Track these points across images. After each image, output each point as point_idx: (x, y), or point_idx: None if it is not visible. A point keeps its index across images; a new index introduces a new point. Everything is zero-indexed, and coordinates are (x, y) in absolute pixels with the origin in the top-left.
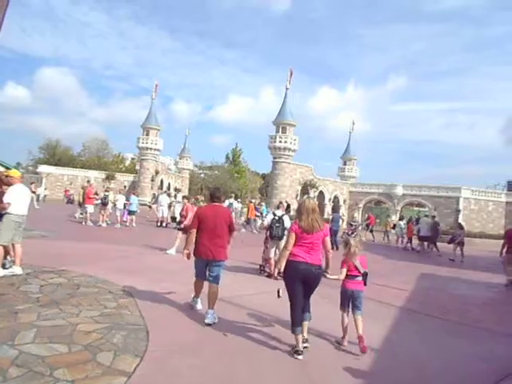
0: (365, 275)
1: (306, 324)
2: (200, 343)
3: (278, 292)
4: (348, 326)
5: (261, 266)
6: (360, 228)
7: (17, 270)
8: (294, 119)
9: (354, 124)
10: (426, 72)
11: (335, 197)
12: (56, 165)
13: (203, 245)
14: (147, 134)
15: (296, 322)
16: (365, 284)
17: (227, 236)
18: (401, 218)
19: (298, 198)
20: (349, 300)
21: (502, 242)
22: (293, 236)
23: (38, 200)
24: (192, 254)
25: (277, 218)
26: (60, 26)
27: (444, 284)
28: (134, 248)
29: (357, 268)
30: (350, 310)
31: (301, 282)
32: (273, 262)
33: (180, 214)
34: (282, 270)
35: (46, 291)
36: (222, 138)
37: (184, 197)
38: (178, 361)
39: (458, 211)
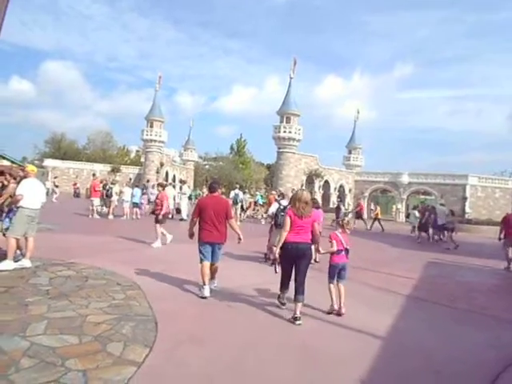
0: (346, 251)
1: (299, 305)
2: (208, 334)
3: (275, 269)
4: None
5: (266, 254)
6: (350, 215)
7: (26, 262)
8: (298, 109)
9: (358, 113)
10: (432, 59)
11: (341, 186)
12: (61, 158)
13: (207, 230)
14: (151, 126)
15: (284, 286)
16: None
17: (225, 222)
18: (415, 207)
19: (304, 187)
20: (338, 272)
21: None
22: (288, 219)
23: (53, 193)
24: (193, 237)
25: (282, 207)
26: (62, 19)
27: (450, 271)
28: (139, 240)
29: (342, 243)
30: (335, 281)
31: (294, 260)
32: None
33: (154, 201)
34: (278, 251)
35: (55, 283)
36: (226, 129)
37: (159, 184)
38: (186, 351)
39: (465, 199)
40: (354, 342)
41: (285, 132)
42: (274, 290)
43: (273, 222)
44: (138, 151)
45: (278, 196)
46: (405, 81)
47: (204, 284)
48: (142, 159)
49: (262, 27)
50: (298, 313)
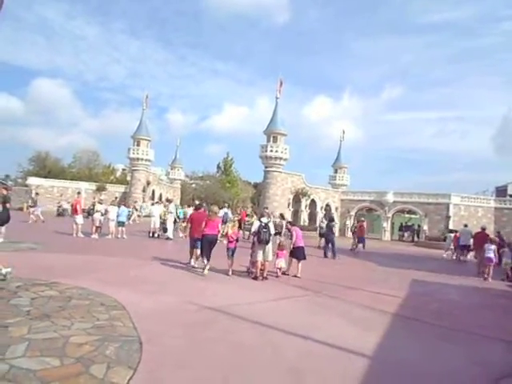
0: (237, 240)
1: (208, 264)
2: (194, 355)
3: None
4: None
5: (248, 268)
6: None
7: None
8: (285, 128)
9: (344, 133)
10: (418, 82)
11: (327, 205)
12: (46, 177)
13: (194, 231)
14: (138, 145)
15: (204, 256)
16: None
17: (201, 226)
18: (451, 231)
19: (290, 206)
20: (232, 252)
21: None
22: (205, 221)
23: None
24: (188, 235)
25: (263, 224)
26: (55, 39)
27: (434, 289)
28: (125, 259)
29: (233, 237)
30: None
31: (208, 242)
32: (259, 264)
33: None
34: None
35: (37, 304)
36: (217, 148)
37: None
38: (171, 373)
39: (448, 217)
40: (341, 362)
41: (271, 151)
42: (262, 310)
43: (255, 239)
44: (124, 169)
45: (261, 215)
46: (392, 102)
47: (191, 258)
48: (129, 178)
49: (253, 49)
50: (206, 270)
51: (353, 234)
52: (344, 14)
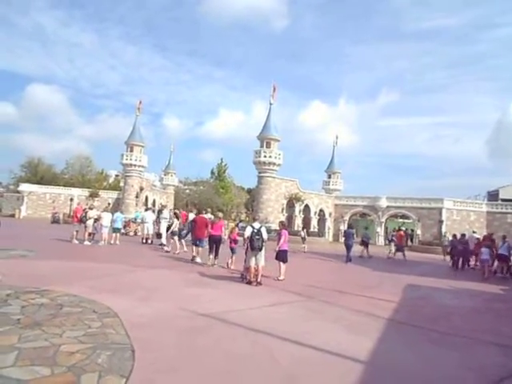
0: (237, 241)
1: (216, 259)
2: (187, 362)
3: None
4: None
5: (242, 274)
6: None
7: None
8: (278, 134)
9: (337, 138)
10: (412, 88)
11: (321, 210)
12: (38, 183)
13: (197, 231)
14: (131, 151)
15: (211, 253)
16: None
17: (206, 228)
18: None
19: (284, 211)
20: (233, 251)
21: None
22: (209, 224)
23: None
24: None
25: (256, 230)
26: (50, 45)
27: (428, 294)
28: (118, 266)
29: (234, 239)
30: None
31: (214, 242)
32: (252, 270)
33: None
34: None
35: (27, 312)
36: (211, 153)
37: None
38: (164, 381)
39: (441, 222)
40: (335, 367)
41: (265, 157)
42: (257, 316)
43: (248, 244)
44: (117, 176)
45: (253, 220)
46: (387, 108)
47: (195, 256)
48: (122, 184)
49: (249, 55)
50: (215, 262)
51: (389, 241)
52: (340, 21)
